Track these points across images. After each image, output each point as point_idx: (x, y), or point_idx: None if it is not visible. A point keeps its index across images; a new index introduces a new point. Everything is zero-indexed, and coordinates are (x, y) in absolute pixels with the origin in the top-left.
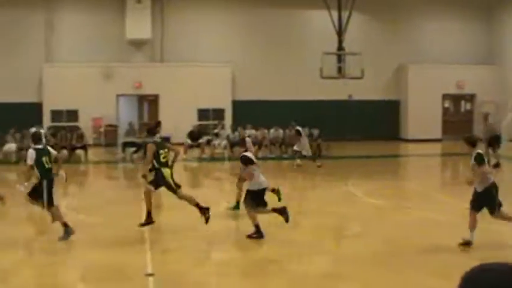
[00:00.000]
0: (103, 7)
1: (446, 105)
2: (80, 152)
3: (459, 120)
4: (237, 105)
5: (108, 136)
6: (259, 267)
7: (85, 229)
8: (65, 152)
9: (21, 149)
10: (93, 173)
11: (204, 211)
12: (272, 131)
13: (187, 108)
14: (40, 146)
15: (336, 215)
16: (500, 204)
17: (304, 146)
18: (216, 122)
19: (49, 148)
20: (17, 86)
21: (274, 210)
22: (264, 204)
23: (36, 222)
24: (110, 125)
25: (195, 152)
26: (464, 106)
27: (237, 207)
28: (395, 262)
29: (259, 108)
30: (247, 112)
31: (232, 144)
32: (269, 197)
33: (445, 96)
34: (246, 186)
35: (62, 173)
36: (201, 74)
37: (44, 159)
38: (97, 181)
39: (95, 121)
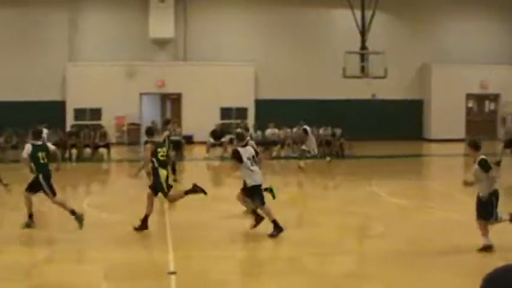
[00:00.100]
0: (126, 6)
1: (470, 105)
2: (102, 150)
3: (483, 120)
4: (259, 104)
5: (131, 135)
6: (281, 266)
7: (108, 227)
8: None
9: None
10: (115, 172)
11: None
12: (295, 130)
13: (210, 107)
14: (38, 142)
15: (359, 214)
16: (497, 216)
17: (311, 145)
18: (238, 121)
19: (48, 144)
20: (41, 84)
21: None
22: (260, 200)
23: (58, 220)
24: (133, 124)
25: (218, 151)
26: (488, 106)
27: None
28: (418, 262)
29: (282, 107)
30: (269, 111)
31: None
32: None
33: (469, 96)
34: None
35: (54, 165)
36: (224, 73)
37: (39, 154)
38: (119, 179)
39: (118, 120)
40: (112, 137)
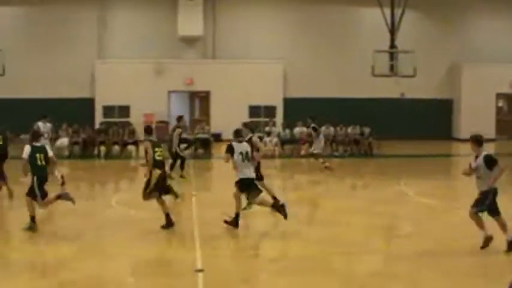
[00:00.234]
0: (155, 4)
1: (500, 104)
2: (131, 147)
3: None
4: (288, 102)
5: (159, 132)
6: (307, 265)
7: (135, 224)
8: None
9: (75, 143)
10: (143, 169)
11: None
12: (323, 128)
13: (238, 105)
14: (37, 144)
15: (387, 214)
16: (490, 210)
17: (319, 145)
18: (267, 119)
19: (46, 147)
20: (70, 82)
21: (274, 206)
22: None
23: (85, 217)
24: (161, 121)
25: None
26: None
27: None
28: (445, 263)
29: (310, 105)
30: (298, 109)
31: (283, 142)
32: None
33: (499, 96)
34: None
35: (57, 173)
36: (252, 71)
37: (37, 156)
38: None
39: (147, 117)
40: (140, 134)
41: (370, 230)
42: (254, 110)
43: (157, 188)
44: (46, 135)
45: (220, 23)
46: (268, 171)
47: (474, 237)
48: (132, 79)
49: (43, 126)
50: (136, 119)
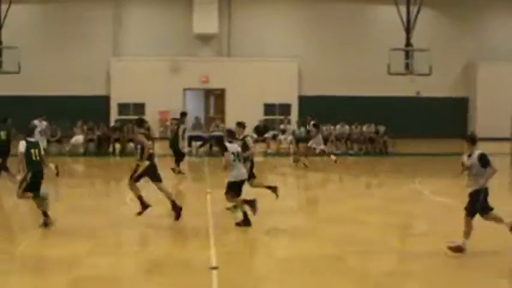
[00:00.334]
0: (171, 1)
1: None
2: None
3: None
4: (303, 100)
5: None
6: (322, 264)
7: (150, 221)
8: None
9: (90, 140)
10: (159, 166)
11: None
12: (338, 126)
13: (253, 103)
14: (32, 139)
15: (402, 212)
16: (482, 211)
17: (318, 142)
18: (282, 117)
19: (40, 144)
20: (85, 79)
21: (245, 201)
22: (239, 195)
23: (100, 214)
24: (176, 119)
25: (261, 147)
26: None
27: None
28: (460, 261)
29: (325, 103)
30: (313, 107)
31: (298, 140)
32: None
33: None
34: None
35: (51, 165)
36: (267, 69)
37: (32, 151)
38: (162, 174)
39: (162, 114)
40: (155, 131)
41: (386, 229)
42: (269, 108)
43: (144, 176)
44: (42, 132)
45: (235, 21)
46: (283, 169)
47: (489, 236)
48: (147, 77)
49: (39, 124)
50: (152, 117)
